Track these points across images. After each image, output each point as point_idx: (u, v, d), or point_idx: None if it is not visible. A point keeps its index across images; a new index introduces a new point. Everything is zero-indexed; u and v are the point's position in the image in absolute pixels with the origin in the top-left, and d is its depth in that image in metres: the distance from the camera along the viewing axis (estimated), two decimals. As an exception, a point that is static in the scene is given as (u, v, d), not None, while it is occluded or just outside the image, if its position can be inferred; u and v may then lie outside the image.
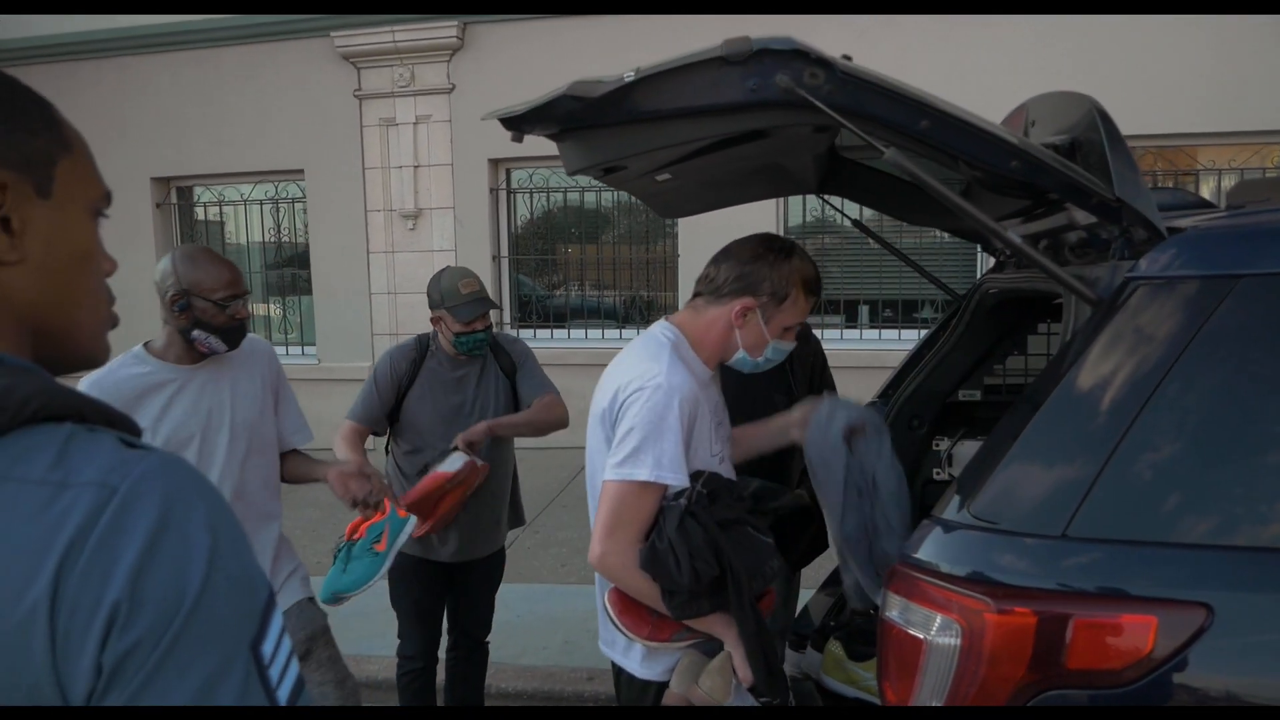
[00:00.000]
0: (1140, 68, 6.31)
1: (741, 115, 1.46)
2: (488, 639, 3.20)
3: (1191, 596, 1.18)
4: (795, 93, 1.36)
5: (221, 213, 8.80)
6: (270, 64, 7.98)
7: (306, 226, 8.40)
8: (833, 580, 2.41)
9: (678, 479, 1.64)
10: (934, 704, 1.31)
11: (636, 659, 1.80)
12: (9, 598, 0.54)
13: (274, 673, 0.59)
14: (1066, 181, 1.43)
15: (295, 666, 0.61)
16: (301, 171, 8.19)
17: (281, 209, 8.58)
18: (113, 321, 0.77)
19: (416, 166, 7.93)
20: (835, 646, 1.85)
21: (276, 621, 0.61)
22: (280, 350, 8.71)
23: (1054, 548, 1.26)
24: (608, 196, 8.07)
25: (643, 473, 1.62)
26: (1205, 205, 1.96)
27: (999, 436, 1.41)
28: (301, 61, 7.90)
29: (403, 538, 2.62)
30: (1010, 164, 1.42)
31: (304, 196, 8.34)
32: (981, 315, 2.50)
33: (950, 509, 1.38)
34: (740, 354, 1.81)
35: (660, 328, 1.83)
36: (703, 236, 7.48)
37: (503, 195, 8.06)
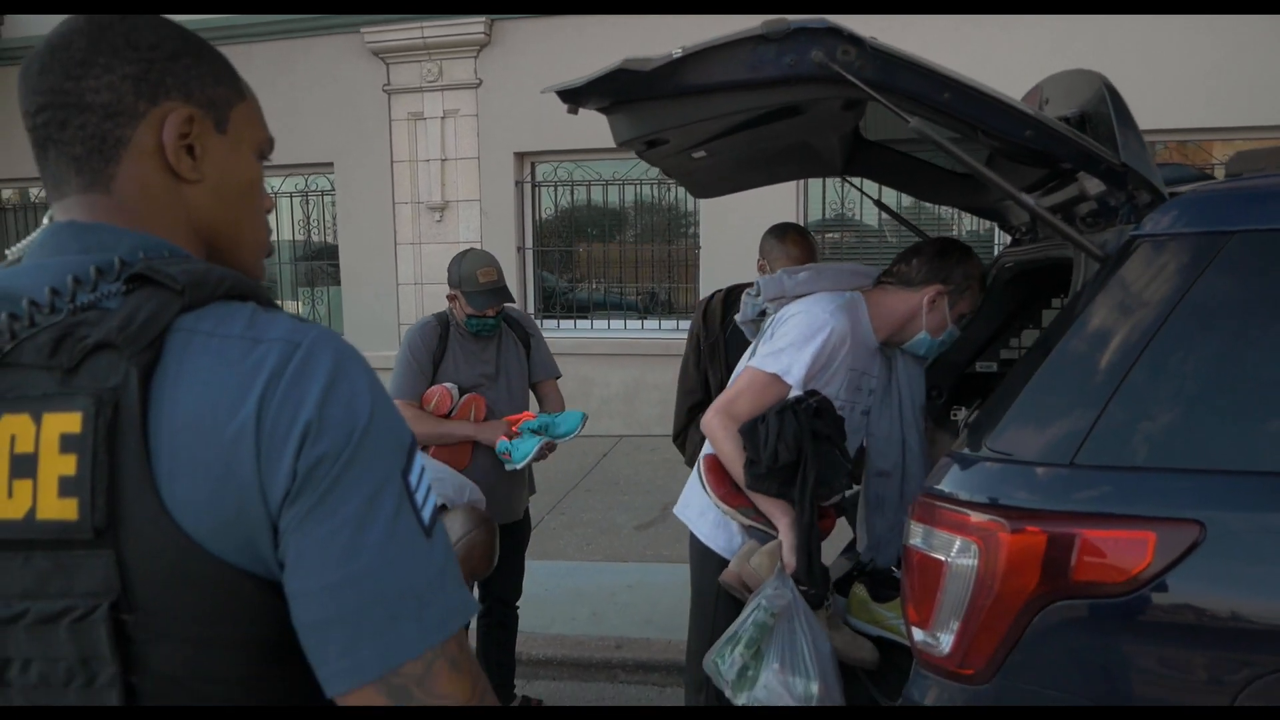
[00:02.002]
0: (1156, 64, 6.40)
1: (779, 89, 1.61)
2: (518, 604, 3.35)
3: (1186, 515, 1.32)
4: (829, 67, 1.50)
5: (251, 206, 9.00)
6: (301, 59, 8.17)
7: (335, 219, 8.59)
8: (851, 547, 2.55)
9: (798, 387, 1.92)
10: (953, 622, 1.44)
11: (708, 524, 2.09)
12: (223, 419, 0.69)
13: (419, 498, 0.74)
14: (1076, 149, 1.56)
15: (434, 499, 0.76)
16: (331, 165, 8.38)
17: (311, 201, 8.78)
18: (270, 249, 0.93)
19: (444, 160, 8.10)
20: (860, 589, 1.99)
21: (419, 461, 0.76)
22: (309, 340, 8.91)
23: (1062, 475, 1.39)
24: (630, 192, 8.22)
25: (775, 367, 1.93)
26: (1206, 178, 2.09)
27: (1013, 379, 1.54)
28: (331, 57, 8.09)
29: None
30: (1025, 133, 1.56)
31: (333, 189, 8.53)
32: (998, 289, 2.62)
33: (968, 445, 1.52)
34: (921, 335, 2.08)
35: (848, 292, 2.10)
36: (723, 232, 7.68)
37: (528, 188, 8.22)
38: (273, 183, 8.73)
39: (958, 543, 1.43)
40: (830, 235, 7.96)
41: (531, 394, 3.26)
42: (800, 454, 1.83)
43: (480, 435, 2.95)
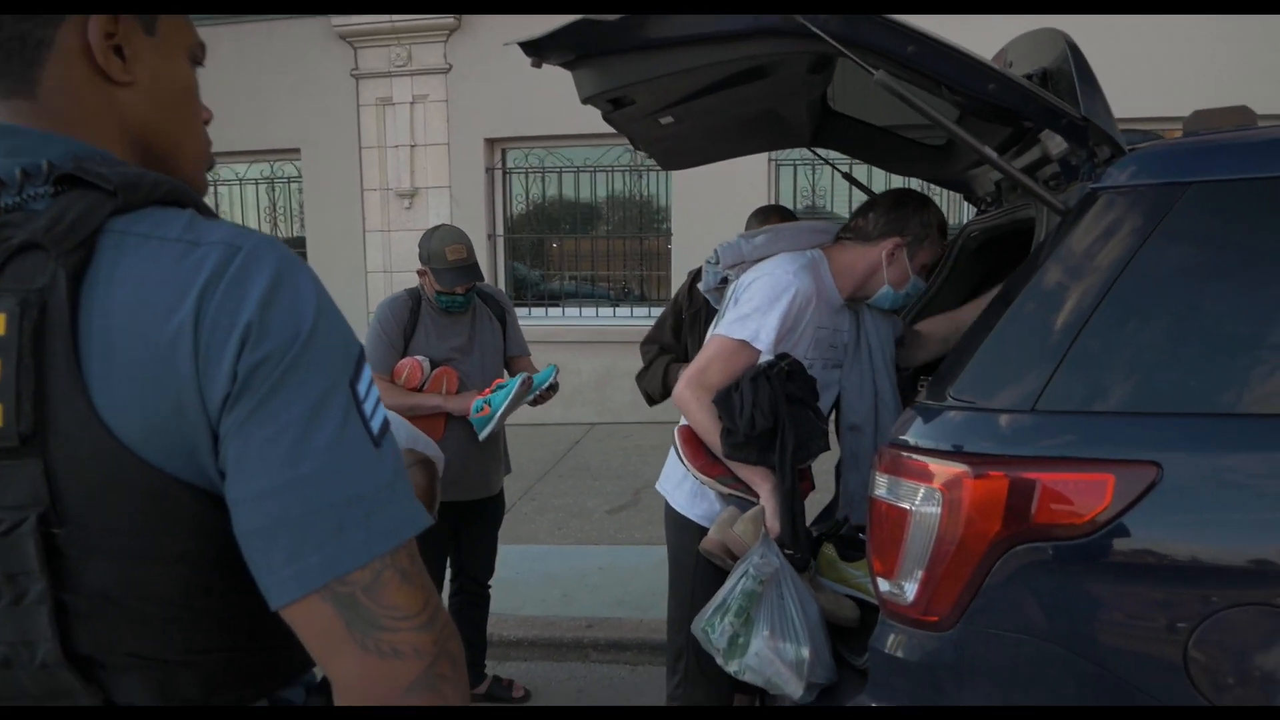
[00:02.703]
0: (1153, 52, 6.45)
1: (743, 43, 1.60)
2: (490, 583, 3.34)
3: (1143, 457, 1.33)
4: (794, 20, 1.50)
5: (216, 193, 8.87)
6: (267, 43, 8.07)
7: (302, 206, 8.50)
8: (822, 516, 2.55)
9: (768, 352, 1.90)
10: (917, 571, 1.45)
11: (685, 495, 2.09)
12: (159, 320, 0.67)
13: (367, 408, 0.72)
14: (1039, 103, 1.58)
15: (384, 412, 0.74)
16: (298, 151, 8.29)
17: (278, 188, 8.69)
18: (210, 162, 0.90)
19: (413, 146, 8.05)
20: (829, 549, 2.00)
21: (367, 373, 0.74)
22: (277, 329, 8.81)
23: (1024, 420, 1.41)
24: (602, 183, 8.19)
25: (743, 334, 1.92)
26: (1168, 141, 2.12)
27: (976, 330, 1.56)
28: (298, 41, 8.01)
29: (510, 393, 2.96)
30: (988, 86, 1.57)
31: (300, 176, 8.44)
32: (965, 258, 2.65)
33: (932, 394, 1.53)
34: (884, 289, 2.08)
35: (809, 251, 2.09)
36: (696, 223, 7.67)
37: (498, 175, 8.18)
38: (237, 169, 8.63)
39: (922, 491, 1.44)
40: (788, 227, 7.99)
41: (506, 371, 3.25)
42: (777, 419, 1.83)
43: (449, 405, 2.94)
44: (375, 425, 0.72)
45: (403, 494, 0.73)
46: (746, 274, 2.06)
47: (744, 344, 1.92)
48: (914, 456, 1.47)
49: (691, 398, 1.94)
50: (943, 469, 1.42)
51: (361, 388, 0.73)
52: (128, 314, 0.67)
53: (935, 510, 1.42)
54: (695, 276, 3.09)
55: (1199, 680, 1.30)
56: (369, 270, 8.33)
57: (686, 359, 3.12)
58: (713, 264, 2.21)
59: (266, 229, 8.80)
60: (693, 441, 1.98)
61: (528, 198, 8.38)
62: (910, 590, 1.46)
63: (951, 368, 1.53)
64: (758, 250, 2.11)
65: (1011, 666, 1.40)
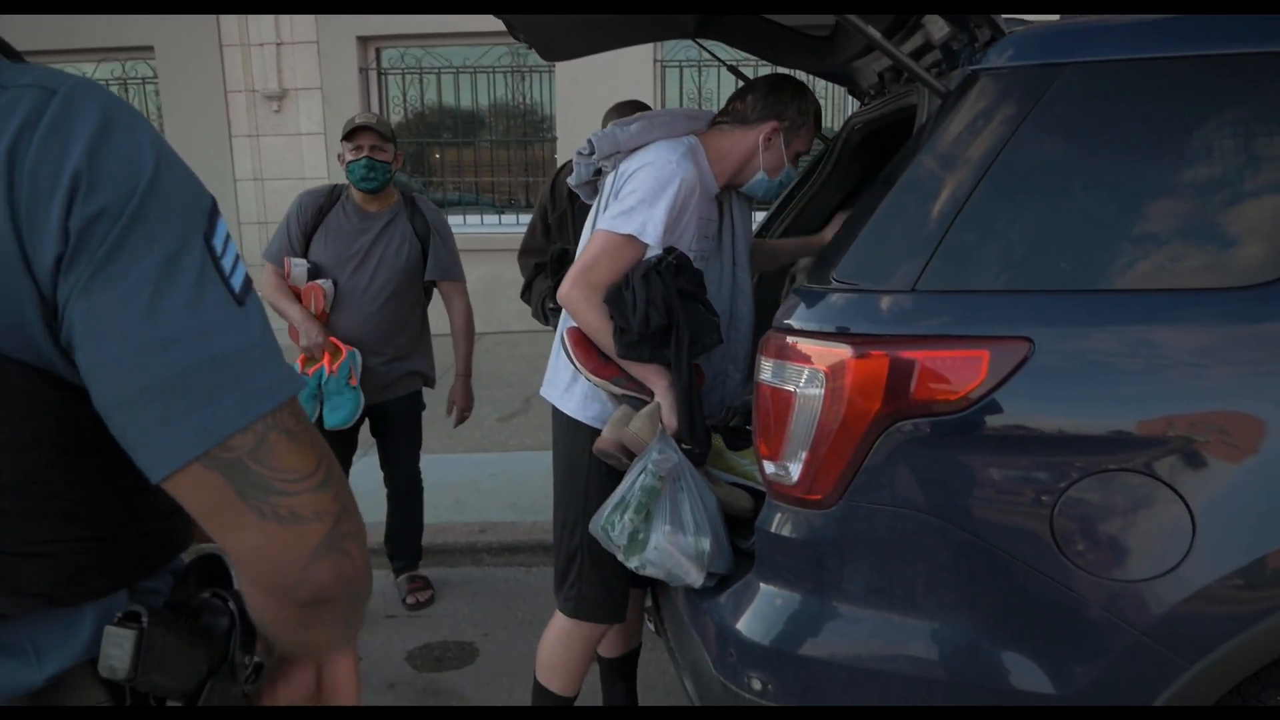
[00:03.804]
0: None
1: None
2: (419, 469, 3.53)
3: (1016, 333, 1.37)
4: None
5: (62, 94, 8.16)
6: (109, -73, 7.36)
7: (160, 110, 7.91)
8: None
9: (655, 246, 1.85)
10: (801, 452, 1.48)
11: (576, 399, 2.04)
12: None
13: (225, 264, 0.66)
14: (921, -18, 1.56)
15: (243, 269, 0.68)
16: (151, 49, 7.68)
17: (131, 90, 8.05)
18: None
19: (279, 44, 7.55)
20: (716, 440, 2.02)
21: (223, 227, 0.68)
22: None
23: (904, 301, 1.43)
24: (484, 89, 7.88)
25: (629, 228, 1.85)
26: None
27: (858, 212, 1.56)
28: (144, -75, 7.32)
29: (358, 370, 3.04)
30: (871, -36, 1.54)
31: (155, 77, 7.83)
32: (848, 153, 2.66)
33: (816, 278, 1.53)
34: (759, 176, 2.04)
35: (685, 137, 2.01)
36: (581, 128, 7.46)
37: (373, 75, 7.77)
38: (85, 69, 7.93)
39: (806, 373, 1.46)
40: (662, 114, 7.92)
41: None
42: (670, 315, 1.80)
43: (301, 328, 2.92)
44: (236, 283, 0.66)
45: (274, 356, 0.68)
46: (625, 164, 1.99)
47: (631, 239, 1.86)
48: (798, 339, 1.48)
49: (580, 298, 1.87)
50: (825, 351, 1.44)
51: (217, 242, 0.66)
52: None
53: (818, 391, 1.44)
54: (557, 176, 3.01)
55: (1063, 544, 1.38)
56: (238, 178, 7.87)
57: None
58: (585, 155, 2.10)
59: (120, 134, 8.17)
60: (583, 343, 1.94)
61: (405, 101, 8.01)
62: (795, 471, 1.49)
63: (835, 251, 1.53)
64: (634, 138, 2.02)
65: (891, 540, 1.45)
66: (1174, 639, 1.36)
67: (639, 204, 1.87)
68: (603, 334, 1.86)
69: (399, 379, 3.23)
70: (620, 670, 2.44)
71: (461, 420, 3.43)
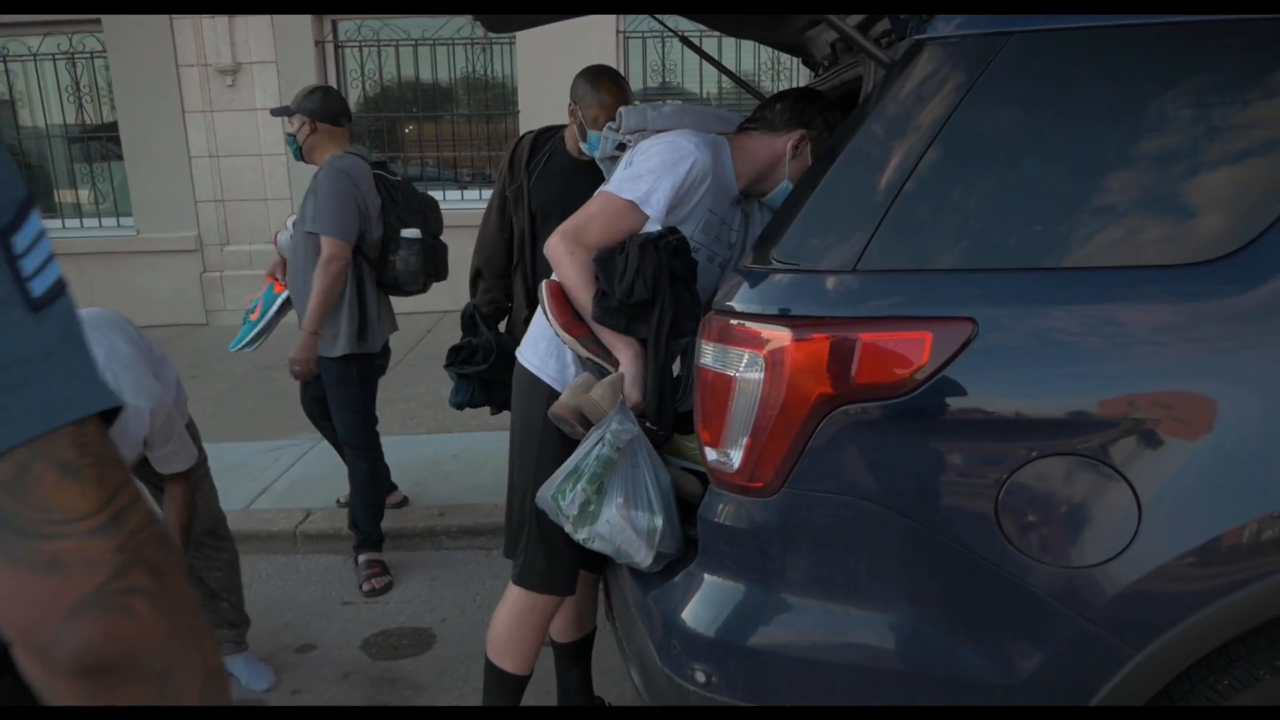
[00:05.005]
0: None
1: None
2: (356, 444, 3.48)
3: (960, 313, 1.33)
4: None
5: (9, 71, 7.92)
6: (50, -106, 7.10)
7: (111, 86, 7.69)
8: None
9: (656, 219, 1.83)
10: (742, 438, 1.43)
11: (539, 353, 2.02)
12: None
13: (26, 265, 0.56)
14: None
15: (55, 271, 0.58)
16: (99, 21, 7.43)
17: (80, 65, 7.81)
18: None
19: (231, 16, 7.33)
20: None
21: (34, 224, 0.58)
22: (93, 223, 8.07)
23: (846, 281, 1.37)
24: (444, 64, 7.72)
25: (633, 194, 1.83)
26: None
27: (799, 190, 1.50)
28: (87, -108, 7.07)
29: (272, 309, 3.37)
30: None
31: (104, 51, 7.59)
32: (802, 126, 2.59)
33: (757, 258, 1.48)
34: (784, 184, 2.00)
35: (713, 134, 1.99)
36: (544, 101, 7.34)
37: (329, 48, 7.59)
38: (30, 43, 7.68)
39: (746, 357, 1.40)
40: (696, 107, 7.86)
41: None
42: (656, 292, 1.75)
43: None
44: (37, 286, 0.56)
45: (66, 370, 0.57)
46: (645, 140, 1.98)
47: (632, 205, 1.83)
48: (738, 322, 1.43)
49: (565, 251, 1.83)
50: (765, 334, 1.38)
51: (20, 239, 0.56)
52: None
53: (758, 376, 1.39)
54: (515, 147, 2.94)
55: (1008, 530, 1.34)
56: (193, 155, 7.68)
57: (503, 256, 3.01)
58: (613, 129, 2.10)
59: (71, 112, 7.94)
60: (559, 296, 1.89)
61: (364, 74, 7.83)
62: (736, 458, 1.44)
63: (776, 230, 1.48)
64: (663, 120, 2.03)
65: (834, 528, 1.40)
66: (1119, 625, 1.33)
67: (647, 173, 1.85)
68: (581, 292, 1.83)
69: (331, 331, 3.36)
70: (575, 656, 2.40)
71: (293, 375, 3.36)
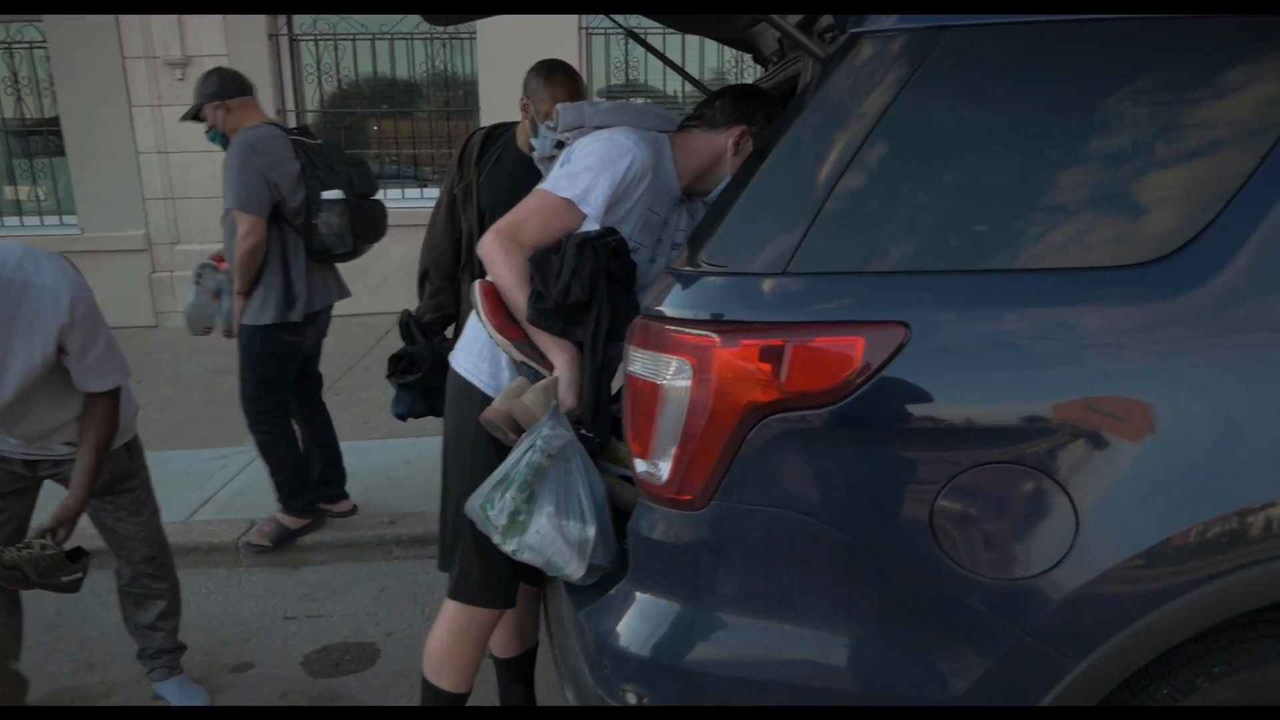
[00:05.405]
0: None
1: None
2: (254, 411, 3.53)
3: (892, 317, 1.27)
4: None
5: (-56, 63, 7.67)
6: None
7: (52, 78, 7.47)
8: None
9: (594, 218, 1.77)
10: (671, 448, 1.36)
11: (471, 357, 1.96)
12: None
13: None
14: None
15: None
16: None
17: (18, 56, 7.58)
18: None
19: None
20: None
21: None
22: (34, 221, 7.85)
23: (776, 283, 1.31)
24: (402, 53, 7.59)
25: (570, 192, 1.77)
26: None
27: (729, 190, 1.44)
28: (27, -120, 6.85)
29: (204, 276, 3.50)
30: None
31: (44, 41, 7.38)
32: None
33: (686, 259, 1.41)
34: (727, 181, 1.92)
35: (653, 132, 1.95)
36: (506, 98, 7.24)
37: (284, 41, 7.43)
38: (-32, 35, 7.45)
39: (674, 364, 1.34)
40: (635, 104, 7.79)
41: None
42: (593, 294, 1.69)
43: None
44: None
45: None
46: (583, 138, 1.91)
47: (570, 204, 1.77)
48: (665, 327, 1.36)
49: (499, 250, 1.77)
50: (691, 339, 1.32)
51: None
52: None
53: (685, 384, 1.33)
54: (465, 144, 2.85)
55: (942, 542, 1.29)
56: (140, 151, 7.48)
57: (451, 256, 2.92)
58: (550, 127, 2.04)
59: (10, 105, 7.71)
60: (493, 297, 1.83)
61: (319, 69, 7.68)
62: (665, 469, 1.38)
63: (705, 230, 1.41)
64: (600, 116, 1.97)
65: (765, 542, 1.35)
66: (1057, 638, 1.28)
67: (585, 170, 1.79)
68: (516, 293, 1.76)
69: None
70: (517, 671, 2.33)
71: (226, 333, 3.48)
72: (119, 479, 2.39)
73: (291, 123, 7.58)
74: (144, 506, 2.50)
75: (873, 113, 1.34)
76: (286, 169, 3.27)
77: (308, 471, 3.69)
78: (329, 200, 3.32)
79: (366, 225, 3.47)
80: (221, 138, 3.38)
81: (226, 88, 3.35)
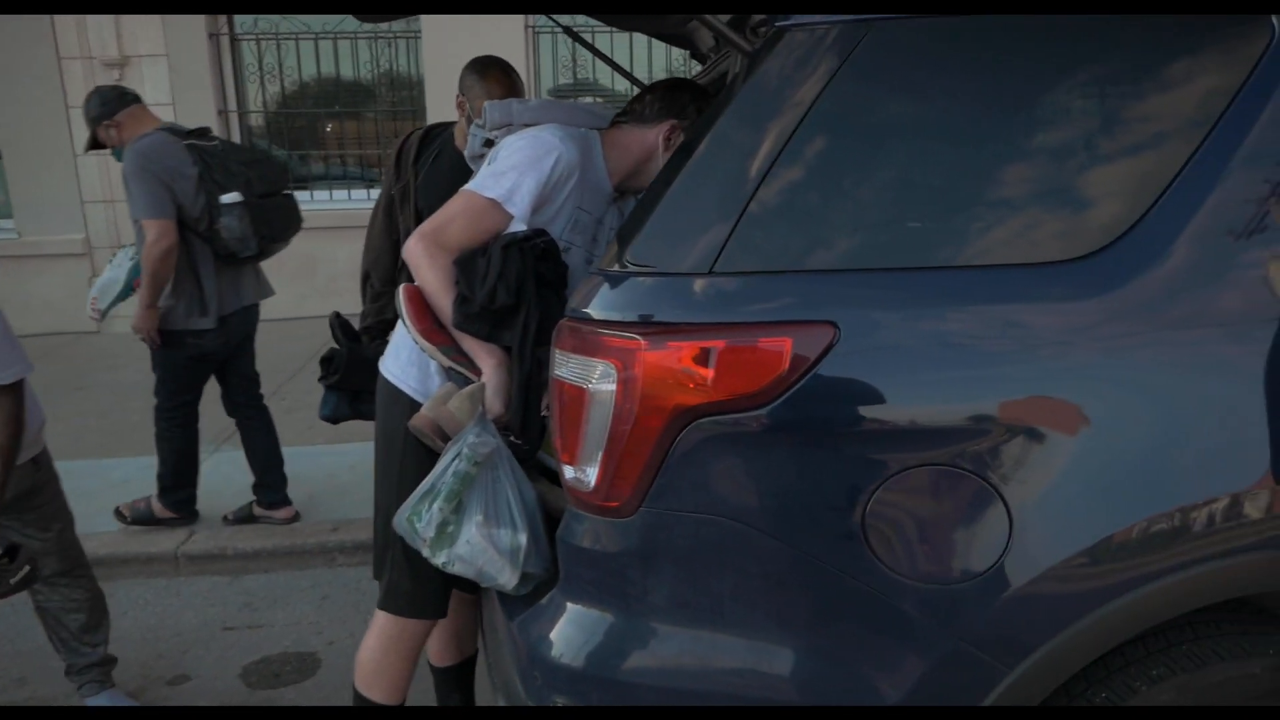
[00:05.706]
0: None
1: None
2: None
3: (820, 317, 1.24)
4: None
5: None
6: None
7: (-16, 77, 7.23)
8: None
9: (520, 219, 1.74)
10: (597, 454, 1.32)
11: (399, 363, 1.91)
12: None
13: None
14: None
15: None
16: (-32, 10, 6.97)
17: (-52, 56, 7.32)
18: None
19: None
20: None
21: None
22: (-32, 224, 7.59)
23: (702, 284, 1.28)
24: (346, 52, 7.47)
25: (495, 192, 1.73)
26: None
27: (654, 188, 1.41)
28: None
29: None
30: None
31: (-25, 41, 7.14)
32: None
33: (611, 259, 1.37)
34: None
35: (582, 129, 1.90)
36: (452, 113, 7.14)
37: (224, 41, 7.27)
38: (-106, 32, 7.18)
39: (599, 367, 1.30)
40: (565, 102, 7.73)
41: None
42: (521, 297, 1.65)
43: None
44: None
45: None
46: (510, 136, 1.87)
47: (495, 204, 1.72)
48: (591, 330, 1.32)
49: (424, 254, 1.71)
50: (616, 342, 1.28)
51: None
52: None
53: (611, 387, 1.29)
54: (400, 146, 2.79)
55: (875, 546, 1.26)
56: (77, 153, 7.27)
57: (398, 249, 2.85)
58: (479, 125, 1.99)
59: (-60, 105, 7.44)
60: (418, 301, 1.78)
61: (261, 69, 7.52)
62: (592, 475, 1.33)
63: (630, 230, 1.37)
64: (528, 114, 1.91)
65: (696, 549, 1.31)
66: (991, 643, 1.26)
67: (510, 169, 1.75)
68: (441, 297, 1.71)
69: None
70: (456, 681, 2.27)
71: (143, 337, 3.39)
72: (25, 495, 2.29)
73: (234, 124, 7.44)
74: (54, 521, 2.41)
75: (798, 107, 1.31)
76: (184, 173, 3.21)
77: (192, 476, 3.70)
78: (227, 204, 3.26)
79: (271, 225, 3.40)
80: (121, 154, 3.34)
81: (108, 106, 3.32)
